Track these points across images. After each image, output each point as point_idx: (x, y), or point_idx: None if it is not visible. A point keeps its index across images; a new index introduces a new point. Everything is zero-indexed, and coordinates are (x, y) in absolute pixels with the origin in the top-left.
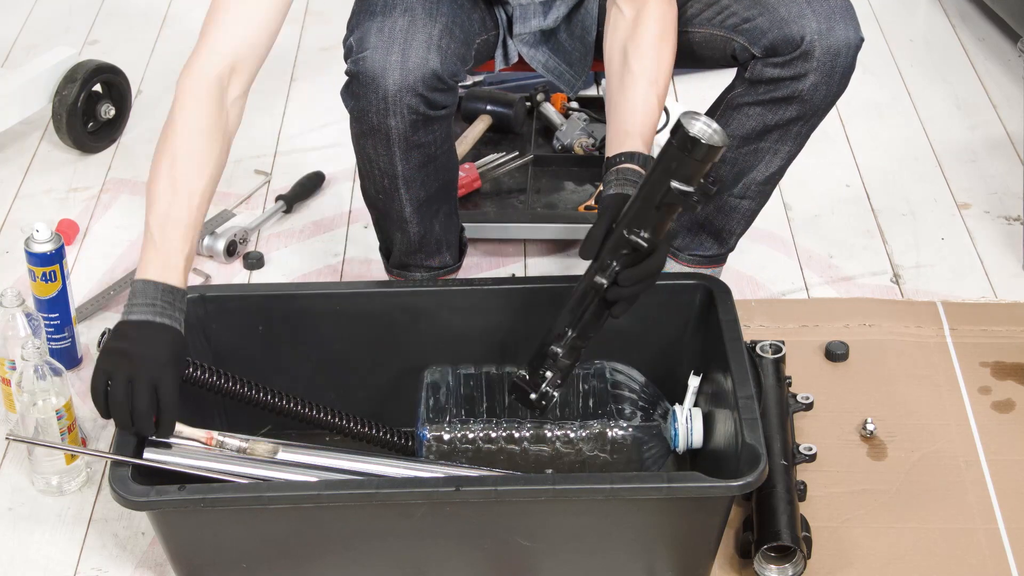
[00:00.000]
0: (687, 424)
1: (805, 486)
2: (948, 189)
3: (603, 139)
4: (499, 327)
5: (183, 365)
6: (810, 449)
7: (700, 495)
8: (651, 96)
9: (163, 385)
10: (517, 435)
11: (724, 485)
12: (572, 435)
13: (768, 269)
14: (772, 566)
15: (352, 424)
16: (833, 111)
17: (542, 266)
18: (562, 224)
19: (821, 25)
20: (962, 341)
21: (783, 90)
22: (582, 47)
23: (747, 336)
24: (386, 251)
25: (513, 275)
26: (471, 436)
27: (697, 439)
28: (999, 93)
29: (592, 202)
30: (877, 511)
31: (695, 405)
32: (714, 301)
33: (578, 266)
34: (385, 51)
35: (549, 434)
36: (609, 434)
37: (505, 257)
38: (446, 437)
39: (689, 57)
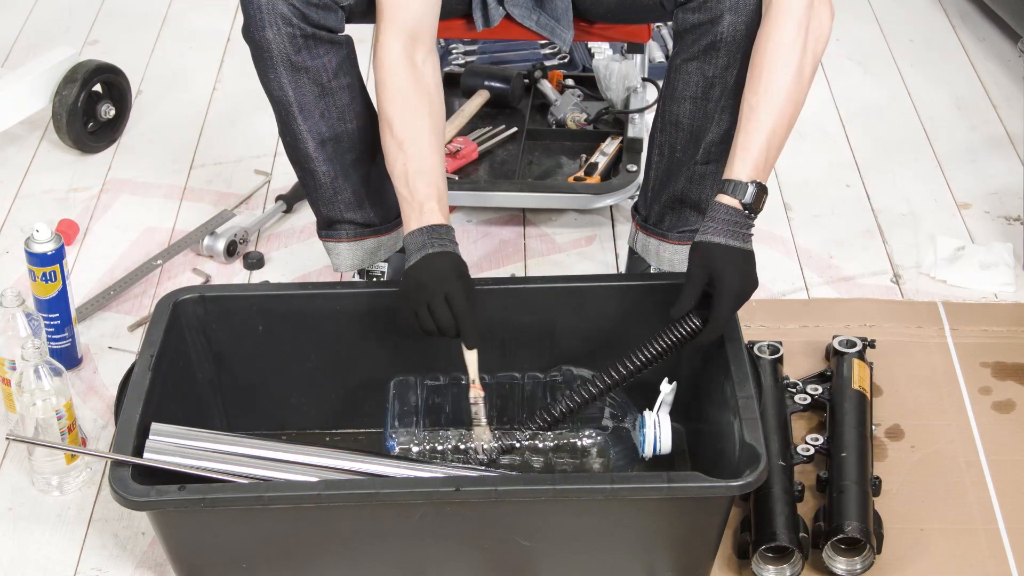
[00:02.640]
0: (655, 430)
1: (803, 487)
2: (948, 189)
3: (596, 113)
4: (499, 327)
5: (468, 279)
6: (808, 451)
7: (700, 495)
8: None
9: (453, 297)
10: (486, 446)
11: (724, 485)
12: (540, 444)
13: (768, 269)
14: (770, 567)
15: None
16: (833, 111)
17: (542, 266)
18: (551, 193)
19: None
20: (962, 341)
21: (706, 36)
22: (563, 1)
23: (747, 336)
24: (317, 214)
25: (513, 275)
26: (440, 448)
27: (665, 446)
28: (999, 93)
29: (581, 173)
30: (877, 511)
31: (662, 411)
32: None
33: (577, 266)
34: None
35: (518, 444)
36: (578, 443)
37: (505, 257)
38: (414, 449)
39: (622, 8)
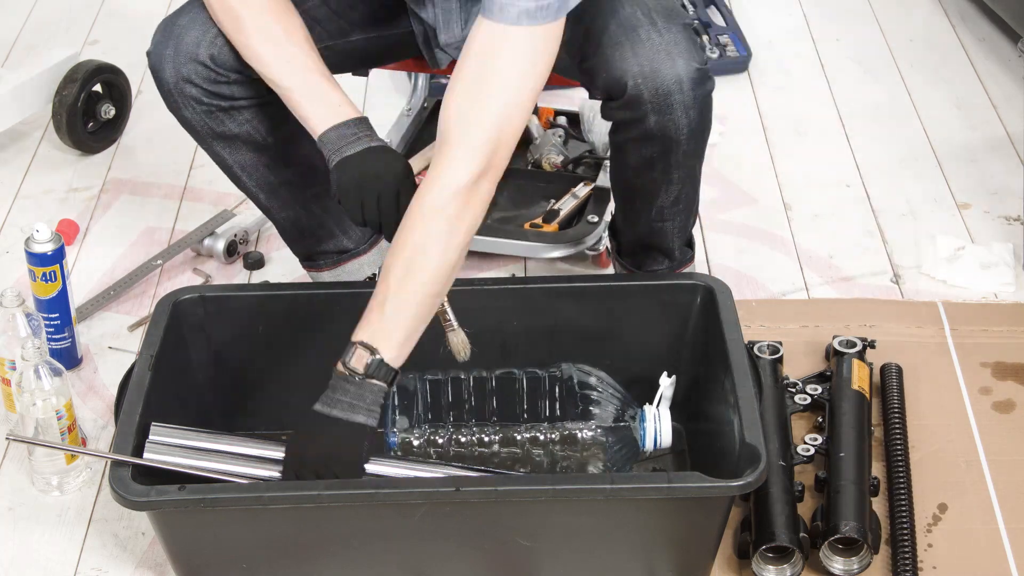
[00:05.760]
0: (655, 424)
1: (803, 487)
2: (948, 189)
3: (575, 158)
4: (500, 327)
5: (414, 176)
6: (808, 451)
7: (700, 495)
8: None
9: (404, 193)
10: (487, 438)
11: (724, 485)
12: (542, 437)
13: (768, 269)
14: (770, 567)
15: None
16: (833, 111)
17: (542, 266)
18: (500, 239)
19: (643, 67)
20: (962, 341)
21: (636, 129)
22: None
23: (747, 336)
24: (292, 250)
25: (513, 275)
26: (440, 441)
27: (666, 439)
28: (999, 93)
29: (540, 220)
30: (876, 511)
31: (662, 405)
32: (714, 301)
33: (577, 267)
34: (162, 46)
35: (519, 436)
36: (579, 435)
37: (505, 257)
38: (415, 443)
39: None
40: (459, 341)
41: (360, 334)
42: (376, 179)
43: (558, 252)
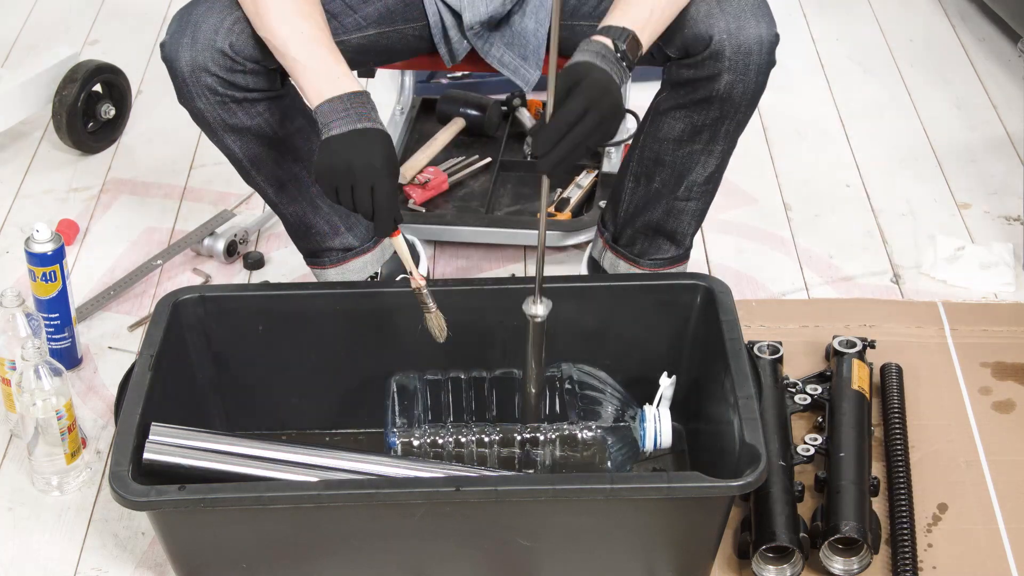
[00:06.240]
0: (655, 424)
1: (803, 487)
2: (948, 189)
3: None
4: (500, 327)
5: (395, 161)
6: (808, 451)
7: (700, 495)
8: None
9: (378, 188)
10: (487, 439)
11: (724, 485)
12: (542, 437)
13: (768, 269)
14: (770, 567)
15: None
16: (833, 111)
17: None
18: (518, 230)
19: (730, 24)
20: (962, 341)
21: (701, 91)
22: (536, 37)
23: (747, 336)
24: (297, 247)
25: (513, 275)
26: (440, 441)
27: (666, 439)
28: (999, 93)
29: (552, 209)
30: (876, 511)
31: (662, 405)
32: (714, 301)
33: (577, 266)
34: (179, 35)
35: (519, 437)
36: (579, 436)
37: (505, 257)
38: (415, 443)
39: None
40: (437, 324)
41: (631, 24)
42: (348, 171)
43: (578, 239)
